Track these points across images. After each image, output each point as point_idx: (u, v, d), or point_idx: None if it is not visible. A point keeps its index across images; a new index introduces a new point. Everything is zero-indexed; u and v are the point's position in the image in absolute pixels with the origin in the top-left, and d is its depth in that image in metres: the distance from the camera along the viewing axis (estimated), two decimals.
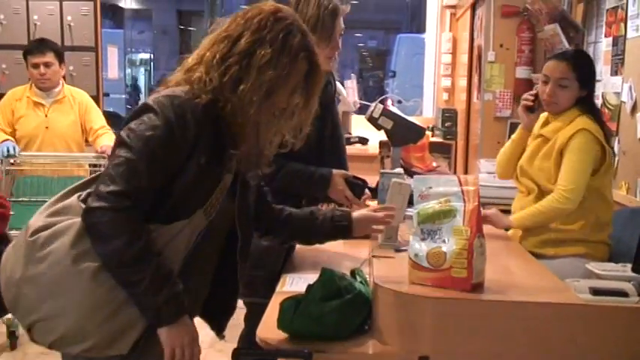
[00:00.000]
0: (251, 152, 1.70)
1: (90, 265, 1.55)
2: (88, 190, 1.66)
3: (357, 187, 2.50)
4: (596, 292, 1.69)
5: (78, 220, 1.57)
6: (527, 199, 2.65)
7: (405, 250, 1.91)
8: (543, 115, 2.71)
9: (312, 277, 1.94)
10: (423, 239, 1.69)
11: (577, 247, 2.53)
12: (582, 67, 2.64)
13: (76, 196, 1.67)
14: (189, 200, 1.62)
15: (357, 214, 2.14)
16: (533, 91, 2.73)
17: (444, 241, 1.65)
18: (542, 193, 2.58)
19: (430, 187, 1.71)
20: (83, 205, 1.59)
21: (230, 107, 1.59)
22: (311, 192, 2.48)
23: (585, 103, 2.64)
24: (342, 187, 2.46)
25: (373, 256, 2.07)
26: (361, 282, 1.90)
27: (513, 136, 2.81)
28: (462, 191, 1.67)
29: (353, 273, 1.95)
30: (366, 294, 1.81)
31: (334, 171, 2.48)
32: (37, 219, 1.64)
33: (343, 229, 2.11)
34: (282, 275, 2.27)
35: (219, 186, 1.68)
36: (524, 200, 2.67)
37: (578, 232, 2.55)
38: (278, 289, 2.13)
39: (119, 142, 1.59)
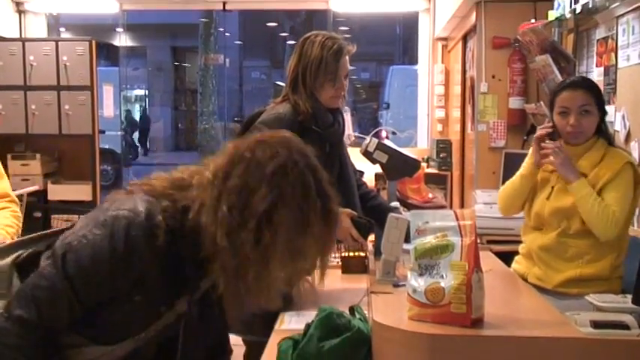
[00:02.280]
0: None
1: None
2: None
3: (362, 226, 2.47)
4: (597, 324, 1.68)
5: None
6: (549, 235, 2.56)
7: (404, 286, 1.89)
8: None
9: (310, 315, 1.92)
10: (421, 274, 1.68)
11: (600, 286, 2.44)
12: (597, 91, 2.59)
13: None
14: (115, 329, 1.46)
15: None
16: (549, 124, 2.61)
17: (442, 277, 1.64)
18: (566, 230, 2.52)
19: (427, 222, 1.71)
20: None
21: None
22: None
23: (605, 131, 2.60)
24: (347, 226, 2.43)
25: (372, 292, 2.06)
26: (360, 319, 1.88)
27: (523, 172, 2.68)
28: (459, 226, 1.66)
29: (352, 310, 1.93)
30: (365, 331, 1.79)
31: (340, 209, 2.45)
32: None
33: None
34: (280, 313, 2.25)
35: (160, 320, 1.49)
36: (546, 237, 2.57)
37: (602, 271, 2.49)
38: (276, 327, 2.11)
39: (52, 256, 1.42)
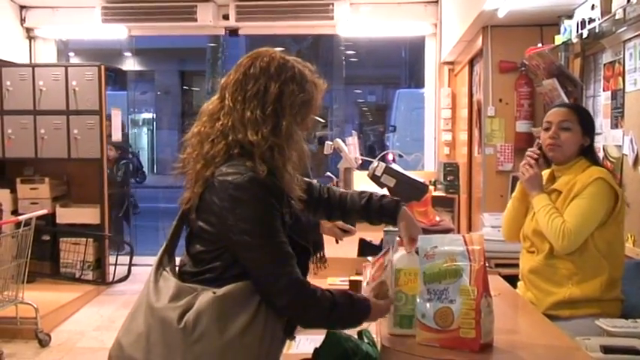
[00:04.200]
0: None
1: (234, 329, 1.63)
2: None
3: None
4: (607, 350, 1.67)
5: (206, 294, 1.65)
6: (537, 258, 2.59)
7: None
8: (546, 172, 2.69)
9: (319, 338, 1.92)
10: (430, 300, 1.68)
11: (592, 308, 2.46)
12: (583, 113, 2.68)
13: (172, 280, 1.72)
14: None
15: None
16: (537, 146, 2.70)
17: (451, 301, 1.65)
18: (552, 251, 2.54)
19: (435, 247, 1.71)
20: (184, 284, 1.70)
21: (277, 149, 1.70)
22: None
23: (591, 154, 2.64)
24: (330, 225, 2.47)
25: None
26: (369, 343, 1.88)
27: (514, 194, 2.77)
28: (468, 250, 1.66)
29: (360, 334, 1.93)
30: (374, 355, 1.79)
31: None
32: (165, 309, 1.67)
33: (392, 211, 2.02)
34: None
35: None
36: (534, 260, 2.60)
37: (593, 292, 2.48)
38: (285, 350, 2.10)
39: (240, 243, 1.65)
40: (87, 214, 5.95)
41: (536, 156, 2.65)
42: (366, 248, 3.17)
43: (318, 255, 2.73)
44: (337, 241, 2.66)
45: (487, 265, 1.70)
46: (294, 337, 1.79)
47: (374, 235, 3.35)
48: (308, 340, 2.21)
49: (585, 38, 3.50)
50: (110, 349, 1.77)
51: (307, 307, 1.67)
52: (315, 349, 1.82)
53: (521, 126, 4.48)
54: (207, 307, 1.63)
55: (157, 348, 1.65)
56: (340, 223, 2.51)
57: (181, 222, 1.82)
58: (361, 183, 5.46)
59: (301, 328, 1.75)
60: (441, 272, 1.68)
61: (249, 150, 1.69)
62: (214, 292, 1.65)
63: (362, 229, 2.91)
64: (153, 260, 1.80)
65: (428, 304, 1.68)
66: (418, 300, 1.71)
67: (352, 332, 1.90)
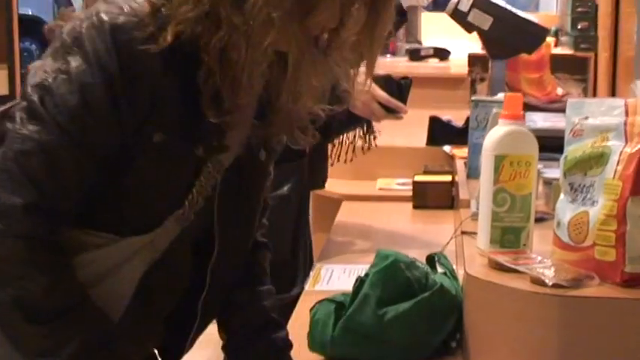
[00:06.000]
0: (281, 112, 1.63)
1: None
2: None
3: (397, 87, 2.52)
4: None
5: None
6: None
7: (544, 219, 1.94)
8: None
9: (361, 269, 1.96)
10: (574, 200, 1.68)
11: None
12: None
13: None
14: (148, 205, 1.61)
15: None
16: None
17: (593, 204, 1.63)
18: None
19: (586, 118, 1.69)
20: None
21: (231, 36, 1.48)
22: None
23: None
24: (366, 97, 2.45)
25: (463, 233, 2.08)
26: (445, 273, 1.91)
27: None
28: (626, 123, 1.64)
29: (431, 259, 1.96)
30: (453, 291, 1.82)
31: None
32: None
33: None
34: (314, 264, 2.29)
35: (202, 175, 1.62)
36: None
37: None
38: (308, 286, 2.16)
39: (27, 108, 1.50)
40: None
41: None
42: (442, 131, 3.16)
43: (364, 126, 2.74)
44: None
45: None
46: None
47: (455, 113, 3.34)
48: (345, 271, 2.25)
49: None
50: None
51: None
52: (359, 280, 1.85)
53: None
54: None
55: None
56: (384, 96, 2.49)
57: None
58: (435, 31, 5.41)
59: None
60: (585, 158, 1.66)
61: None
62: None
63: (430, 104, 2.92)
64: None
65: (568, 207, 1.68)
66: (561, 197, 1.72)
67: (418, 256, 1.93)
